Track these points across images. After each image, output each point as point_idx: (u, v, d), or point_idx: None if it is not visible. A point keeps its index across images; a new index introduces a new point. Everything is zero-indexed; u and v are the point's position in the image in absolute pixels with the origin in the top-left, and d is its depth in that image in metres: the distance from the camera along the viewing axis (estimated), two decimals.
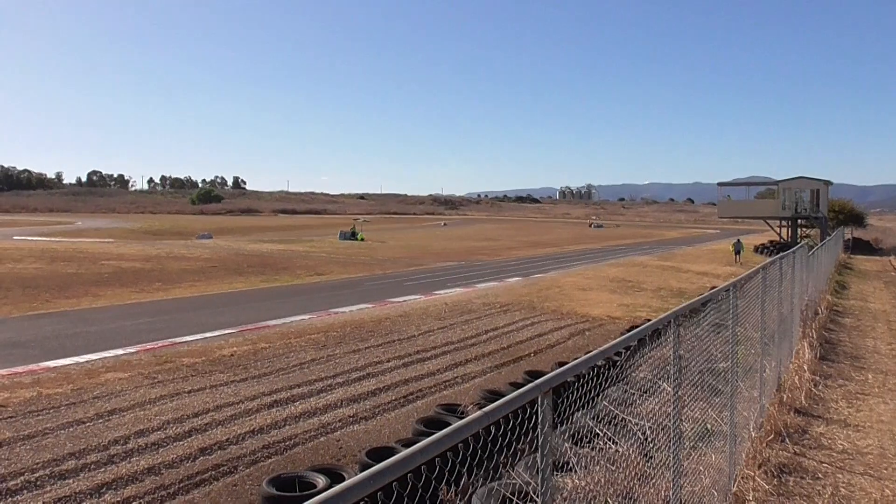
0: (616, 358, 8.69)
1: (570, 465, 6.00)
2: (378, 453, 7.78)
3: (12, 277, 29.29)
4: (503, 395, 10.37)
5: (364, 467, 7.52)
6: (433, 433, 7.77)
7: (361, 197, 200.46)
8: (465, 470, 5.13)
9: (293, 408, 11.05)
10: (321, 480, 6.98)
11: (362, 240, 63.64)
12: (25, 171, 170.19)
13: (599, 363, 3.83)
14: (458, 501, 6.18)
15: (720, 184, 63.27)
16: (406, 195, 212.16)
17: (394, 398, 11.87)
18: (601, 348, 3.97)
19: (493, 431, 4.05)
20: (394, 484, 2.22)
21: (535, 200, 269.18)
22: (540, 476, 2.90)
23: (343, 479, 7.16)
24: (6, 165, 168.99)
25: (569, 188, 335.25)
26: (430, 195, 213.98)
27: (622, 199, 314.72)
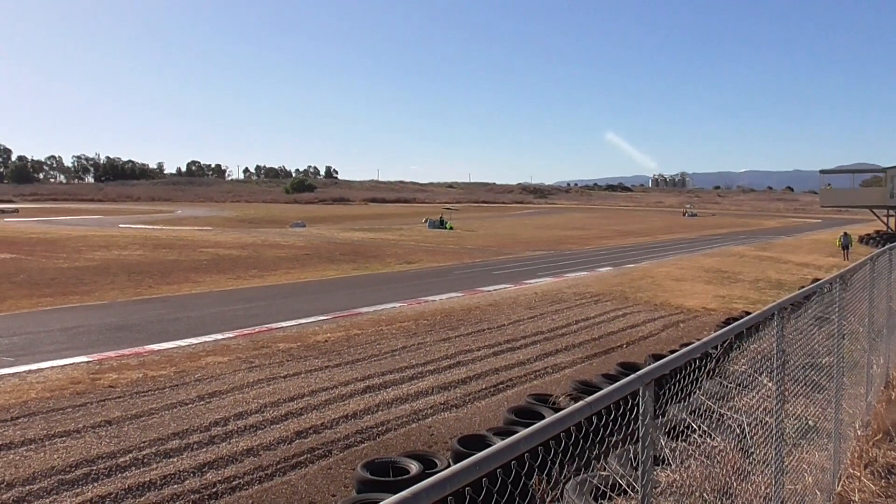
0: (712, 351, 8.46)
1: (665, 459, 5.88)
2: (470, 441, 7.82)
3: (119, 264, 30.77)
4: (595, 386, 10.24)
5: (456, 454, 7.58)
6: (525, 422, 7.76)
7: (450, 186, 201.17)
8: (557, 461, 5.09)
9: (385, 394, 11.22)
10: (414, 466, 7.06)
11: (451, 228, 63.96)
12: (129, 161, 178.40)
13: (697, 356, 3.72)
14: (549, 492, 6.15)
15: (822, 171, 60.61)
16: (494, 184, 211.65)
17: (484, 387, 11.90)
18: (703, 340, 3.86)
19: (587, 423, 4.01)
20: (498, 471, 2.22)
21: (627, 189, 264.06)
22: (640, 469, 2.85)
23: (435, 466, 7.26)
24: (112, 156, 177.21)
25: (662, 176, 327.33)
26: (519, 184, 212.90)
27: (717, 188, 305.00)
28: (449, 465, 7.39)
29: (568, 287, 24.94)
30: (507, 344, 15.27)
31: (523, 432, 2.27)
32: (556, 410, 9.05)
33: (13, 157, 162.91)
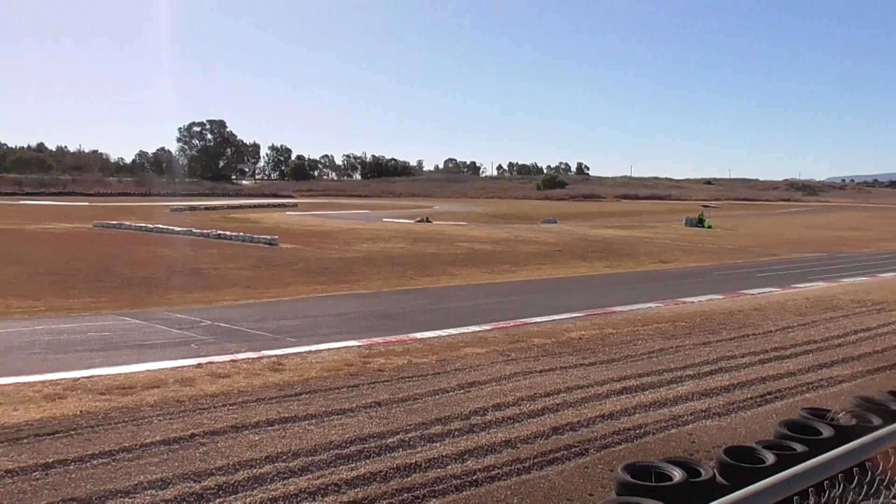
0: None
1: None
2: (737, 452, 7.30)
3: (383, 256, 32.94)
4: (881, 404, 9.13)
5: (722, 465, 7.12)
6: (799, 438, 7.05)
7: (708, 182, 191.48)
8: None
9: (642, 396, 10.88)
10: (677, 473, 6.73)
11: (709, 227, 60.88)
12: (392, 159, 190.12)
13: None
14: None
15: None
16: (757, 180, 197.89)
17: (750, 396, 11.12)
18: None
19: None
20: (810, 490, 1.98)
21: None
22: None
23: (699, 475, 6.87)
24: (377, 155, 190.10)
25: None
26: (785, 180, 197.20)
27: None
28: (714, 476, 6.97)
29: (844, 293, 22.67)
30: (775, 352, 14.17)
31: (840, 449, 2.00)
32: (836, 428, 8.21)
33: (293, 157, 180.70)
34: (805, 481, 1.81)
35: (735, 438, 9.01)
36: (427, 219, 65.01)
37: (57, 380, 10.90)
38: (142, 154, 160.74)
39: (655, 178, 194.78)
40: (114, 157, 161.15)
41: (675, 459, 7.35)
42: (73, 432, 8.60)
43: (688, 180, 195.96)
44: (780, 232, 58.81)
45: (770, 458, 7.07)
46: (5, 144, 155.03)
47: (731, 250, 40.53)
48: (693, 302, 20.48)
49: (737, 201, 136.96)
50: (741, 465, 6.96)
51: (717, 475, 7.01)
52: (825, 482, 1.88)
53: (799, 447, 7.46)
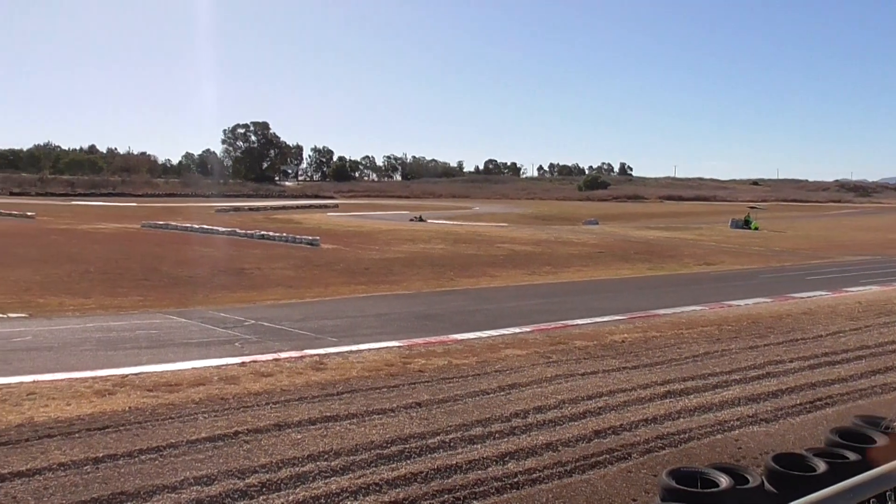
0: None
1: None
2: (786, 459, 7.16)
3: (423, 256, 33.04)
4: None
5: (771, 472, 6.98)
6: (851, 446, 6.89)
7: (754, 183, 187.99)
8: None
9: (687, 401, 10.71)
10: (724, 480, 6.61)
11: (756, 228, 59.88)
12: (432, 160, 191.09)
13: None
14: None
15: None
16: (806, 180, 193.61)
17: (799, 402, 10.88)
18: None
19: None
20: (871, 500, 1.92)
21: None
22: None
23: (747, 482, 6.75)
24: (417, 156, 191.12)
25: None
26: (836, 180, 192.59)
27: None
28: (762, 483, 6.83)
29: None
30: (826, 357, 13.85)
31: None
32: (890, 436, 7.99)
33: (334, 158, 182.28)
34: (865, 492, 1.75)
35: (784, 445, 8.83)
36: (421, 217, 65.13)
37: (107, 376, 11.14)
38: (188, 156, 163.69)
39: (700, 179, 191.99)
40: (161, 159, 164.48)
41: (721, 465, 7.22)
42: (122, 428, 8.77)
43: (734, 181, 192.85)
44: (831, 234, 57.62)
45: (821, 466, 6.91)
46: (59, 147, 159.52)
47: (779, 253, 39.81)
48: (739, 305, 20.13)
49: (785, 202, 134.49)
50: (791, 472, 6.81)
51: (766, 482, 6.88)
52: (888, 493, 1.82)
53: (852, 455, 7.29)
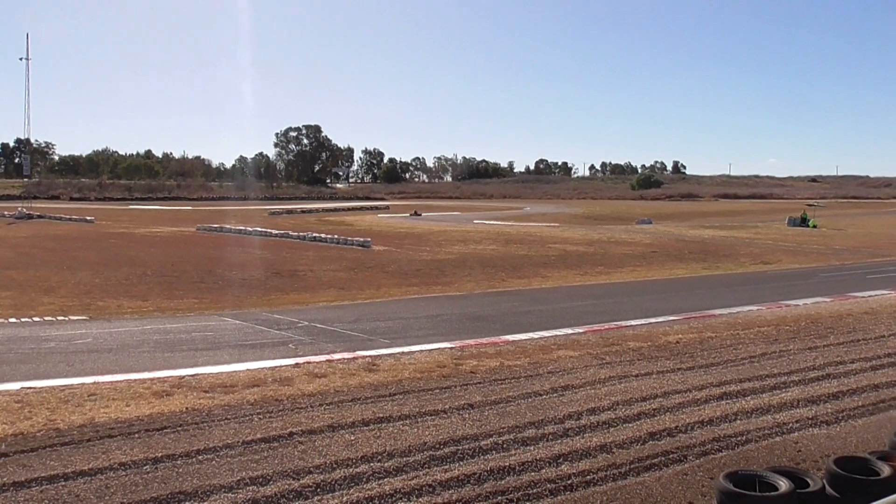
0: None
1: None
2: (848, 463, 6.96)
3: (475, 257, 33.02)
4: None
5: (832, 476, 6.79)
6: None
7: (813, 179, 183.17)
8: None
9: (744, 402, 10.49)
10: (783, 483, 6.46)
11: (814, 226, 58.37)
12: (483, 161, 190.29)
13: None
14: None
15: None
16: (867, 177, 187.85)
17: (861, 404, 10.57)
18: None
19: None
20: None
21: None
22: None
23: (807, 486, 6.58)
24: (468, 157, 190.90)
25: None
26: None
27: None
28: (824, 487, 6.65)
29: None
30: (888, 358, 13.44)
31: None
32: None
33: (385, 160, 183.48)
34: None
35: (845, 448, 8.59)
36: (416, 212, 64.76)
37: (165, 377, 11.40)
38: (241, 159, 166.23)
39: (756, 177, 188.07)
40: (215, 163, 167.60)
41: (780, 469, 7.05)
42: (179, 428, 8.96)
43: (791, 178, 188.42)
44: (893, 231, 55.84)
45: (885, 470, 6.71)
46: (117, 152, 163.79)
47: (839, 251, 38.76)
48: (798, 305, 19.65)
49: (845, 199, 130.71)
50: (854, 476, 6.62)
51: (827, 486, 6.70)
52: None
53: None
